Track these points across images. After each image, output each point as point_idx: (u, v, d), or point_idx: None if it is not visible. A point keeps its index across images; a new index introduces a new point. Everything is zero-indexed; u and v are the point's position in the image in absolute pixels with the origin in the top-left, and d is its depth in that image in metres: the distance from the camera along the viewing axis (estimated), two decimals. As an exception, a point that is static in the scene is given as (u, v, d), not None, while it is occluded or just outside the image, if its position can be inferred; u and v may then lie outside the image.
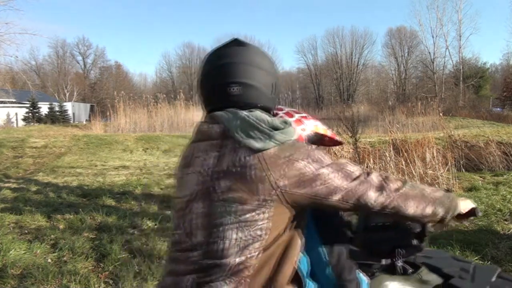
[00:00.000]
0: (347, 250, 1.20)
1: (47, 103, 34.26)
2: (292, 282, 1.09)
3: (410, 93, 47.15)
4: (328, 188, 1.03)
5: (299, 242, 1.09)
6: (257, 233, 1.01)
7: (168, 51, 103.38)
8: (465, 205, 1.21)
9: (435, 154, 7.23)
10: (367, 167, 6.84)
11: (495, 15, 67.05)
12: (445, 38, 44.72)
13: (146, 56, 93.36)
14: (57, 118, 32.24)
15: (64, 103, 36.67)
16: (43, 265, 3.35)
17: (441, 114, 13.41)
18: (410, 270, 1.31)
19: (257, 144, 1.00)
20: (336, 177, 1.04)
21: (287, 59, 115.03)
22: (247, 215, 1.00)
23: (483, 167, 8.56)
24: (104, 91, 50.07)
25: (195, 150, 1.12)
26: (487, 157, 8.67)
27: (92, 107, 40.67)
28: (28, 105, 31.67)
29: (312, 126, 1.20)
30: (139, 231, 4.44)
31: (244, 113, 1.06)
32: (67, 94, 48.61)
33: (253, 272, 1.01)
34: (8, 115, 31.60)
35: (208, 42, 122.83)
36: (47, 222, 4.88)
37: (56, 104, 34.77)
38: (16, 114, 31.85)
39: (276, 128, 1.04)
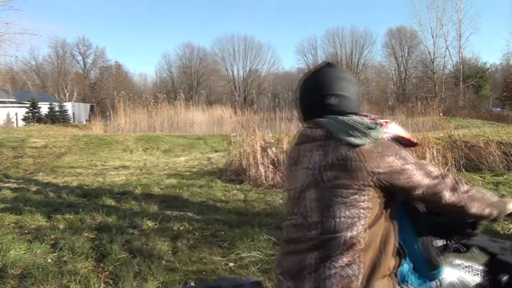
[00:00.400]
0: (432, 237, 1.51)
1: (47, 103, 34.27)
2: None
3: (410, 93, 47.13)
4: (412, 183, 1.28)
5: (396, 224, 1.35)
6: (361, 212, 1.27)
7: (168, 51, 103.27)
8: None
9: (435, 154, 7.24)
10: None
11: (495, 15, 67.07)
12: (445, 38, 44.76)
13: (146, 56, 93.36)
14: (57, 118, 32.25)
15: (64, 103, 36.68)
16: (43, 265, 3.35)
17: (441, 114, 13.40)
18: (463, 249, 1.62)
19: (356, 141, 1.26)
20: (418, 174, 1.28)
21: (287, 59, 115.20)
22: (351, 197, 1.26)
23: (483, 167, 8.56)
24: (104, 91, 50.06)
25: (301, 151, 1.39)
26: (487, 157, 8.66)
27: (92, 107, 40.67)
28: (28, 105, 31.68)
29: (393, 129, 1.42)
30: (139, 231, 4.44)
31: (343, 117, 1.32)
32: (67, 94, 48.61)
33: (364, 246, 1.26)
34: (8, 115, 31.60)
35: (208, 42, 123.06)
36: (47, 222, 4.88)
37: (56, 104, 34.77)
38: (16, 114, 31.86)
39: (370, 128, 1.28)
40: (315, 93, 1.42)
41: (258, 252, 3.51)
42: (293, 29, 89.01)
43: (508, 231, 4.25)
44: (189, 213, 5.27)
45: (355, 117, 1.33)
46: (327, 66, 1.47)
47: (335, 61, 55.27)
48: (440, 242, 1.61)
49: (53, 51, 54.34)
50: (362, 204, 1.27)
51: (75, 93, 49.30)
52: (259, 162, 7.97)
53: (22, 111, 31.72)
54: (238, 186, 7.50)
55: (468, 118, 25.43)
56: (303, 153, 1.38)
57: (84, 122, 31.02)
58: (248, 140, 8.78)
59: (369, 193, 1.27)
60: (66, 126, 24.41)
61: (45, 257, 3.63)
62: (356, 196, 1.26)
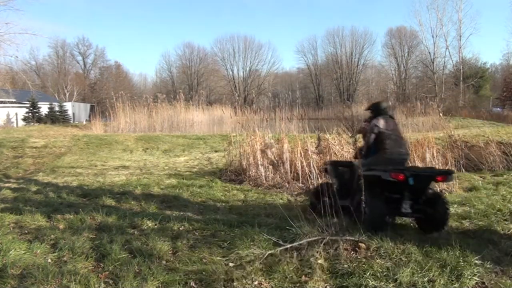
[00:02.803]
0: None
1: (47, 103, 34.24)
2: None
3: (410, 93, 47.12)
4: None
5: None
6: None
7: (168, 51, 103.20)
8: None
9: (435, 154, 7.24)
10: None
11: (495, 15, 67.02)
12: (445, 38, 44.69)
13: (146, 56, 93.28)
14: (57, 118, 32.23)
15: (64, 103, 36.63)
16: (43, 265, 3.34)
17: (441, 114, 13.41)
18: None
19: None
20: None
21: (287, 59, 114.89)
22: None
23: (483, 167, 8.56)
24: (104, 91, 50.00)
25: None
26: (487, 157, 8.66)
27: (92, 107, 40.65)
28: (28, 105, 31.64)
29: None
30: (139, 231, 4.43)
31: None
32: (67, 94, 48.58)
33: None
34: (8, 115, 31.58)
35: (208, 42, 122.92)
36: (47, 222, 4.88)
37: (56, 104, 34.74)
38: (16, 114, 31.83)
39: None
40: None
41: (258, 252, 3.51)
42: (293, 29, 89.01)
43: (508, 231, 4.25)
44: (189, 213, 5.27)
45: None
46: None
47: (335, 61, 55.35)
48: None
49: (53, 51, 54.38)
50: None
51: (75, 93, 49.27)
52: (259, 162, 7.97)
53: (22, 111, 31.70)
54: (238, 186, 7.50)
55: (468, 118, 25.42)
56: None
57: (84, 122, 31.01)
58: (248, 140, 8.77)
59: None
60: (66, 126, 24.40)
61: (45, 257, 3.63)
62: None
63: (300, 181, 7.21)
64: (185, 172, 9.14)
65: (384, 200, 4.19)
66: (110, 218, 4.94)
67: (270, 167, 7.59)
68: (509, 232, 4.21)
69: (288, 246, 3.62)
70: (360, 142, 5.19)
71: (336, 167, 5.23)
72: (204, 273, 3.22)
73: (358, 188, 4.28)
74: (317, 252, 3.49)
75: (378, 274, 3.10)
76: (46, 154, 12.30)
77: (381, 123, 4.70)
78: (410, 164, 5.38)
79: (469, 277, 3.07)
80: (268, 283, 3.09)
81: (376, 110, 4.94)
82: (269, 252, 3.51)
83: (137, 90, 54.37)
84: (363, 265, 3.24)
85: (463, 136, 10.14)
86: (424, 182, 4.28)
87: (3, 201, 6.17)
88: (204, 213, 5.33)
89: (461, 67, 43.11)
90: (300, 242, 3.57)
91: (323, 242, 3.58)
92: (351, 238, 3.67)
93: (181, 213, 5.29)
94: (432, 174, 4.37)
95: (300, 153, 7.58)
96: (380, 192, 4.19)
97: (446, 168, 6.92)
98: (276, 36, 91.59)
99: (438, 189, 6.41)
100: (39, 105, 32.60)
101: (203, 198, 6.43)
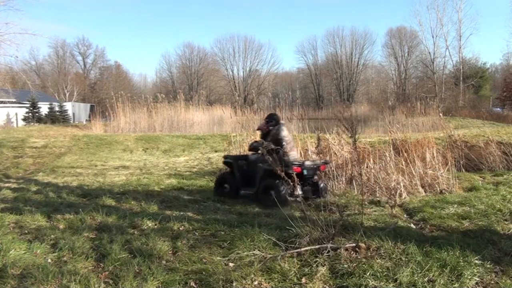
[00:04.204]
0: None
1: (47, 103, 34.26)
2: None
3: (410, 93, 47.13)
4: None
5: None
6: None
7: (168, 51, 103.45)
8: None
9: (435, 154, 7.23)
10: (367, 167, 6.85)
11: (495, 15, 67.04)
12: (445, 38, 44.68)
13: (146, 56, 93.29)
14: (57, 118, 32.25)
15: (64, 103, 36.66)
16: (43, 265, 3.34)
17: (441, 114, 13.41)
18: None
19: None
20: None
21: (287, 59, 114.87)
22: None
23: (483, 167, 8.56)
24: (104, 91, 50.03)
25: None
26: (487, 157, 8.66)
27: (92, 107, 40.66)
28: (28, 105, 31.67)
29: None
30: (139, 231, 4.43)
31: None
32: (67, 94, 48.60)
33: None
34: (8, 115, 31.59)
35: (208, 42, 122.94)
36: (47, 222, 4.88)
37: (56, 104, 34.76)
38: (16, 114, 31.85)
39: None
40: None
41: (258, 252, 3.51)
42: (293, 29, 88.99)
43: (508, 231, 4.25)
44: (189, 213, 5.27)
45: None
46: None
47: (335, 61, 55.36)
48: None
49: (53, 51, 54.42)
50: None
51: (75, 93, 49.29)
52: (259, 162, 7.95)
53: (22, 111, 31.72)
54: (238, 186, 7.49)
55: (468, 118, 25.43)
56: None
57: (84, 122, 31.01)
58: (248, 140, 8.77)
59: None
60: (66, 126, 24.40)
61: (45, 257, 3.63)
62: None
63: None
64: (185, 172, 9.14)
65: (286, 186, 5.58)
66: (110, 218, 4.94)
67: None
68: (509, 232, 4.21)
69: (288, 254, 3.62)
70: (361, 143, 5.33)
71: (237, 161, 6.62)
72: (204, 273, 3.22)
73: (263, 178, 6.00)
74: (317, 255, 3.49)
75: (378, 274, 3.10)
76: (46, 154, 12.30)
77: (284, 131, 6.26)
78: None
79: (469, 277, 3.07)
80: (268, 283, 3.09)
81: (276, 119, 6.45)
82: (270, 256, 3.52)
83: (137, 90, 54.33)
84: (363, 265, 3.24)
85: (463, 136, 10.14)
86: (313, 172, 6.19)
87: (3, 201, 6.17)
88: (204, 213, 5.33)
89: (461, 67, 43.11)
90: (299, 250, 3.56)
91: (326, 250, 3.57)
92: (351, 244, 3.66)
93: (181, 213, 5.29)
94: (317, 166, 6.24)
95: (300, 153, 7.58)
96: (283, 180, 5.13)
97: (446, 168, 6.93)
98: (276, 36, 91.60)
99: (439, 188, 6.53)
100: (39, 105, 32.63)
101: (203, 198, 6.43)
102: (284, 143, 6.07)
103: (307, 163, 6.24)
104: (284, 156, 6.00)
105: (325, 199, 5.95)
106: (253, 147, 6.44)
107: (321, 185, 6.26)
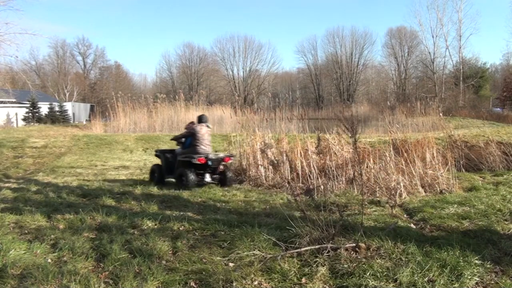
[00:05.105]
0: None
1: (47, 103, 34.26)
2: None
3: (410, 93, 47.10)
4: None
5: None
6: None
7: (168, 51, 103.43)
8: None
9: (435, 154, 7.23)
10: (367, 167, 6.85)
11: (495, 15, 67.02)
12: (445, 38, 44.64)
13: (146, 56, 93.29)
14: (57, 118, 32.24)
15: (64, 103, 36.65)
16: (43, 265, 3.34)
17: (441, 114, 13.41)
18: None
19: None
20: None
21: (287, 59, 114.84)
22: None
23: (483, 167, 8.56)
24: (104, 91, 50.01)
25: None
26: (487, 157, 8.66)
27: (92, 107, 40.67)
28: (28, 105, 31.66)
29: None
30: (139, 231, 4.43)
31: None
32: (67, 94, 48.59)
33: None
34: (8, 115, 31.59)
35: (208, 42, 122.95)
36: (47, 222, 4.87)
37: (56, 104, 34.75)
38: (16, 114, 31.84)
39: None
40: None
41: (258, 252, 3.51)
42: (293, 29, 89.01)
43: (508, 231, 4.25)
44: (189, 213, 5.27)
45: None
46: None
47: (335, 61, 55.38)
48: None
49: (53, 51, 54.41)
50: None
51: (75, 93, 49.28)
52: (259, 162, 7.96)
53: (22, 111, 31.71)
54: (238, 186, 7.50)
55: (468, 118, 25.43)
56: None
57: (84, 122, 31.00)
58: (248, 140, 8.78)
59: None
60: (66, 126, 24.39)
61: (45, 257, 3.62)
62: None
63: (300, 181, 7.20)
64: (185, 172, 9.14)
65: (195, 173, 7.23)
66: (110, 218, 4.94)
67: (270, 167, 7.58)
68: (509, 232, 4.21)
69: (288, 254, 3.62)
70: (361, 143, 5.32)
71: (164, 154, 8.08)
72: (204, 273, 3.22)
73: (178, 167, 7.53)
74: (317, 255, 3.49)
75: (378, 274, 3.10)
76: (46, 154, 12.30)
77: (198, 128, 7.62)
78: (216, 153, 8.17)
79: (469, 277, 3.07)
80: (268, 283, 3.09)
81: (199, 120, 7.85)
82: (270, 256, 3.51)
83: (137, 90, 54.33)
84: (363, 265, 3.24)
85: (463, 136, 10.15)
86: (217, 163, 7.52)
87: (3, 201, 6.17)
88: (204, 213, 5.33)
89: (461, 67, 43.09)
90: (299, 250, 3.56)
91: (326, 250, 3.57)
92: (351, 244, 3.66)
93: (181, 213, 5.29)
94: (221, 158, 7.60)
95: (300, 153, 7.58)
96: (192, 169, 7.25)
97: (446, 168, 6.93)
98: (276, 36, 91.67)
99: (439, 188, 6.50)
100: (39, 105, 32.62)
101: (203, 198, 6.43)
102: (196, 138, 7.52)
103: (211, 155, 7.50)
104: (198, 150, 7.46)
105: (231, 185, 7.40)
106: (175, 138, 8.17)
107: (229, 175, 7.59)
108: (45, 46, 70.63)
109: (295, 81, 63.04)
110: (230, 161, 7.91)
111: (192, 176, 7.13)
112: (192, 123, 7.98)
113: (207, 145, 7.62)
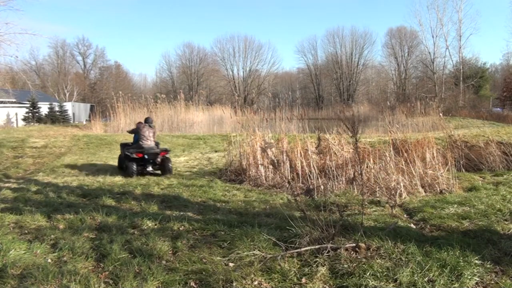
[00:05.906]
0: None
1: (47, 103, 34.26)
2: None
3: (410, 93, 47.12)
4: None
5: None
6: None
7: (168, 51, 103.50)
8: None
9: (435, 154, 7.23)
10: (367, 167, 6.84)
11: (495, 15, 67.04)
12: (445, 38, 44.69)
13: (146, 56, 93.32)
14: (57, 118, 32.24)
15: (64, 103, 36.64)
16: (43, 265, 3.34)
17: (441, 114, 13.41)
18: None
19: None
20: None
21: (287, 59, 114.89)
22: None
23: (483, 167, 8.56)
24: (104, 91, 50.04)
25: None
26: (487, 157, 8.66)
27: (92, 107, 40.66)
28: (28, 105, 31.65)
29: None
30: (139, 231, 4.43)
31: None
32: (67, 94, 48.59)
33: None
34: (8, 115, 31.59)
35: (208, 42, 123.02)
36: (47, 222, 4.87)
37: (56, 104, 34.75)
38: (16, 114, 31.84)
39: None
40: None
41: (258, 252, 3.51)
42: (293, 29, 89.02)
43: (508, 231, 4.25)
44: (189, 213, 5.27)
45: None
46: None
47: (335, 61, 55.40)
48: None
49: (53, 51, 54.43)
50: None
51: (75, 93, 49.27)
52: (259, 162, 7.96)
53: (22, 111, 31.71)
54: (238, 186, 7.49)
55: (468, 118, 25.44)
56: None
57: (84, 122, 31.01)
58: (248, 140, 8.77)
59: None
60: (66, 126, 24.39)
61: (45, 257, 3.62)
62: None
63: (300, 181, 7.20)
64: (185, 172, 9.14)
65: (136, 164, 8.66)
66: (110, 218, 4.94)
67: (270, 167, 7.58)
68: (509, 232, 4.21)
69: (288, 254, 3.62)
70: (361, 143, 5.30)
71: (123, 147, 9.50)
72: (204, 273, 3.22)
73: (124, 159, 9.02)
74: (317, 255, 3.49)
75: (378, 274, 3.10)
76: (46, 154, 12.30)
77: (141, 127, 9.24)
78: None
79: (469, 277, 3.07)
80: (268, 283, 3.09)
81: (145, 121, 9.48)
82: (270, 256, 3.51)
83: (137, 90, 54.36)
84: (363, 265, 3.24)
85: (463, 136, 10.14)
86: (154, 156, 8.85)
87: (3, 201, 6.17)
88: (204, 213, 5.33)
89: (461, 67, 43.10)
90: (299, 250, 3.56)
91: (326, 250, 3.57)
92: (351, 244, 3.66)
93: (181, 213, 5.28)
94: (158, 152, 8.92)
95: (300, 153, 7.57)
96: (133, 161, 8.72)
97: (446, 168, 6.93)
98: (276, 36, 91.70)
99: (439, 188, 6.51)
100: (39, 105, 32.62)
101: (203, 198, 6.43)
102: (140, 135, 9.12)
103: (151, 150, 8.91)
104: (141, 145, 9.00)
105: (171, 174, 8.76)
106: (128, 131, 9.87)
107: (169, 166, 8.92)
108: (45, 46, 70.67)
109: (295, 81, 63.06)
110: (167, 155, 9.14)
111: (132, 167, 8.56)
112: (140, 123, 9.44)
113: (148, 141, 9.14)
